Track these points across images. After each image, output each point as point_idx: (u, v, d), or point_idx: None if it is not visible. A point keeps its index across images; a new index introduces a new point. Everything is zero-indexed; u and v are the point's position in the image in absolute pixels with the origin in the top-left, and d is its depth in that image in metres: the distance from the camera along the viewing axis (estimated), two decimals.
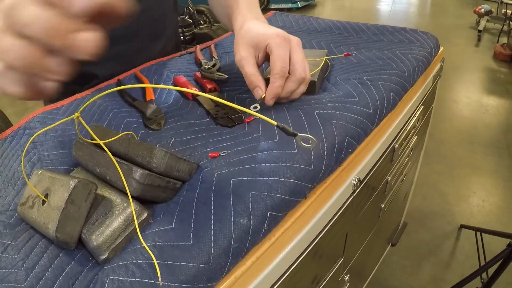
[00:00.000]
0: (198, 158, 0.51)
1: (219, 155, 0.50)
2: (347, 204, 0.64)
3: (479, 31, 4.86)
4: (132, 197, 0.42)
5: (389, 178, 0.91)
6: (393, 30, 0.97)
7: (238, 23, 0.64)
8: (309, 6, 7.08)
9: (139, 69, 0.86)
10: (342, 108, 0.59)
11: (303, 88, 0.60)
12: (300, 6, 6.93)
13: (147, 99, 0.70)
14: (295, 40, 0.59)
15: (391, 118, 0.72)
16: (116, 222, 0.40)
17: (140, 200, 0.43)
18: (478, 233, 1.78)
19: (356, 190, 0.65)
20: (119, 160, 0.43)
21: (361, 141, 0.59)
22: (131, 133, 0.60)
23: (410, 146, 1.02)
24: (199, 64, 0.83)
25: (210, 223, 0.40)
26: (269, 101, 0.58)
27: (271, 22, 1.12)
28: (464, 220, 2.00)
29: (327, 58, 0.75)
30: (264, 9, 6.90)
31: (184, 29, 3.69)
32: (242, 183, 0.44)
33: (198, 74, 0.76)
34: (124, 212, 0.41)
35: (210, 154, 0.50)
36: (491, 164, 2.49)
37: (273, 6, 7.03)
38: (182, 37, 3.65)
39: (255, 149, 0.50)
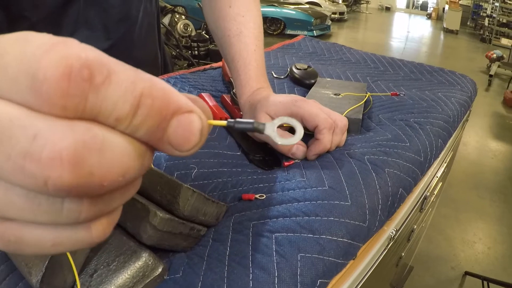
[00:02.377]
0: (226, 198, 0.43)
1: (255, 198, 0.42)
2: (381, 258, 0.56)
3: (490, 75, 4.88)
4: (145, 245, 0.33)
5: (415, 226, 0.84)
6: (431, 69, 0.93)
7: (251, 87, 0.59)
8: (324, 36, 7.15)
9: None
10: (394, 154, 0.51)
11: (345, 135, 0.55)
12: (315, 35, 6.98)
13: None
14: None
15: None
16: (121, 278, 0.31)
17: (153, 248, 0.34)
18: (485, 283, 1.72)
19: (390, 242, 0.57)
20: None
21: (410, 192, 0.51)
22: None
23: (435, 193, 0.96)
24: (228, 83, 0.75)
25: None
26: (312, 157, 0.51)
27: (300, 46, 1.05)
28: (469, 267, 1.95)
29: (370, 95, 0.67)
30: (280, 34, 6.96)
31: (200, 44, 3.65)
32: (288, 241, 0.36)
33: (227, 97, 0.68)
34: (133, 265, 0.32)
35: (243, 195, 0.42)
36: (497, 211, 2.47)
37: (289, 32, 7.09)
38: (196, 52, 3.61)
39: (301, 197, 0.41)
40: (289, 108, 0.52)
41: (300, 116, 0.51)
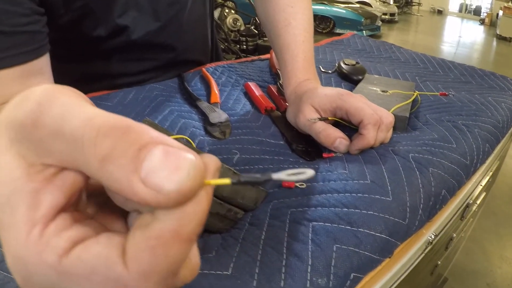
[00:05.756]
0: (267, 185, 0.43)
1: (295, 186, 0.42)
2: (417, 262, 0.55)
3: None
4: None
5: (454, 235, 0.82)
6: (482, 73, 0.89)
7: (298, 79, 0.59)
8: (374, 37, 7.08)
9: (205, 67, 0.79)
10: (439, 154, 0.50)
11: (391, 133, 0.53)
12: (365, 35, 6.92)
13: (212, 101, 0.63)
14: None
15: None
16: None
17: None
18: None
19: (428, 247, 0.56)
20: None
21: (453, 195, 0.50)
22: (186, 138, 0.53)
23: (478, 202, 0.92)
24: (275, 74, 0.75)
25: (279, 278, 0.31)
26: (355, 152, 0.50)
27: (349, 43, 1.04)
28: (504, 285, 1.86)
29: (419, 94, 0.66)
30: (329, 32, 6.92)
31: (248, 39, 3.70)
32: (325, 231, 0.36)
33: (273, 88, 0.68)
34: None
35: (284, 183, 0.42)
36: None
37: (338, 30, 7.04)
38: (244, 46, 3.67)
39: (342, 189, 0.41)
40: (334, 101, 0.52)
41: (345, 110, 0.50)
